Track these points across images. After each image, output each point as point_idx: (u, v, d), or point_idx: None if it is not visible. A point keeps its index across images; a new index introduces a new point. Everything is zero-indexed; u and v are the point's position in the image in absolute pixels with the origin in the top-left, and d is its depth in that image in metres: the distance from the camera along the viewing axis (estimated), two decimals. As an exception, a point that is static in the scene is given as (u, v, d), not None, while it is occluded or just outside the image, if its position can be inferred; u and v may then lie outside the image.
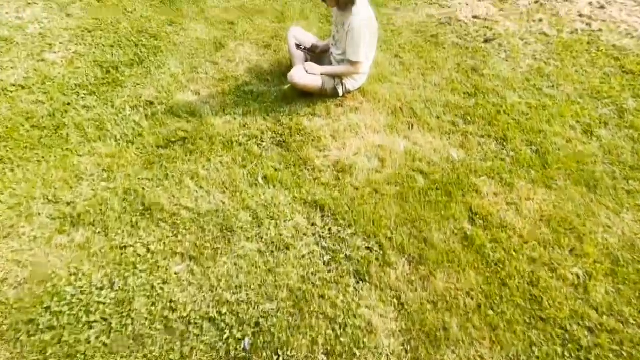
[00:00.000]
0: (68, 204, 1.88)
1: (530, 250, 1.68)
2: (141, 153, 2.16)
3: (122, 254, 1.67)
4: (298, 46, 2.51)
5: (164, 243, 1.71)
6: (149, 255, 1.66)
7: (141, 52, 2.96)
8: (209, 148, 2.18)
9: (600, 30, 3.13)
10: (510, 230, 1.76)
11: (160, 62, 2.87)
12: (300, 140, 2.22)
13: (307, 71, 2.37)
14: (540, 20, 3.27)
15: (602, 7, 3.43)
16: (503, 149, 2.16)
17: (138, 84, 2.66)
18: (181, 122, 2.35)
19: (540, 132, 2.25)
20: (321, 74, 2.40)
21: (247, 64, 2.86)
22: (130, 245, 1.70)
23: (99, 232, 1.75)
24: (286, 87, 2.47)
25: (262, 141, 2.24)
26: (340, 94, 2.48)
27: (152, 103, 2.50)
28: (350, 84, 2.49)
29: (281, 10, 3.50)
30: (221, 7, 3.55)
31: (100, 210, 1.84)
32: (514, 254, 1.67)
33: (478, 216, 1.82)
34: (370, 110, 2.43)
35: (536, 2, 3.52)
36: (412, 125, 2.31)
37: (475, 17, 3.34)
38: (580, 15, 3.33)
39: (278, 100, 2.52)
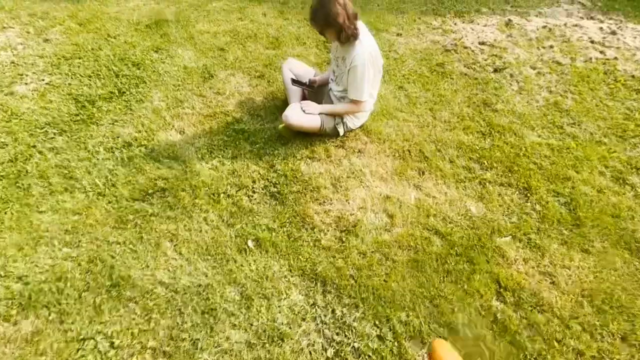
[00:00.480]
0: (19, 278, 1.53)
1: (574, 338, 1.38)
2: (113, 208, 1.83)
3: (78, 351, 1.33)
4: (294, 81, 2.22)
5: (132, 334, 1.37)
6: (112, 353, 1.32)
7: (122, 83, 2.65)
8: (191, 202, 1.86)
9: (615, 58, 2.89)
10: (548, 312, 1.45)
11: (143, 94, 2.56)
12: (297, 191, 1.92)
13: (304, 111, 2.07)
14: (551, 47, 3.03)
15: (613, 33, 3.21)
16: (527, 201, 1.87)
17: (116, 121, 2.34)
18: (162, 169, 2.03)
19: (567, 180, 1.96)
20: (320, 113, 2.12)
21: (238, 97, 2.56)
22: (90, 338, 1.36)
23: (52, 320, 1.41)
24: (281, 125, 2.17)
25: (254, 192, 1.93)
26: (341, 133, 2.19)
27: (130, 145, 2.18)
28: (352, 122, 2.20)
29: (275, 35, 3.22)
30: (211, 32, 3.26)
31: (58, 287, 1.50)
32: (556, 344, 1.36)
33: (507, 291, 1.51)
34: (375, 152, 2.14)
35: (544, 27, 3.29)
36: (423, 172, 2.02)
37: (482, 43, 3.08)
38: (592, 42, 3.10)
39: (272, 140, 2.22)
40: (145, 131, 2.26)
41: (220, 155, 2.11)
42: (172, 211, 1.81)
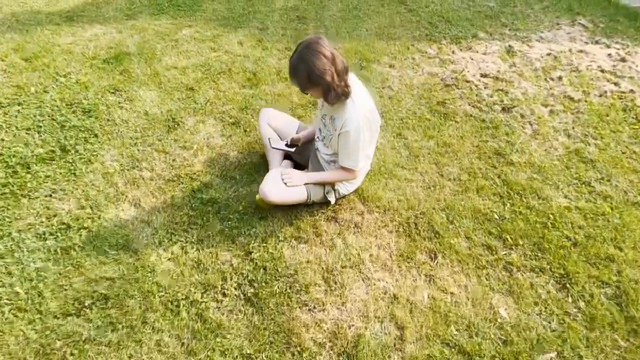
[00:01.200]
0: None
1: None
2: (35, 331, 1.35)
3: None
4: (273, 143, 1.79)
5: None
6: None
7: (67, 137, 2.16)
8: (142, 315, 1.40)
9: (631, 91, 2.56)
10: None
11: (92, 152, 2.08)
12: (280, 292, 1.47)
13: (286, 183, 1.65)
14: (560, 78, 2.68)
15: (623, 60, 2.89)
16: (567, 295, 1.48)
17: (54, 192, 1.86)
18: (106, 264, 1.56)
19: (610, 261, 1.59)
20: (306, 184, 1.69)
21: (208, 153, 2.11)
22: None
23: None
24: (258, 196, 1.73)
25: (224, 295, 1.47)
26: (332, 202, 1.77)
27: (68, 227, 1.70)
28: (345, 188, 1.77)
29: (253, 70, 2.78)
30: (179, 67, 2.80)
31: None
32: None
33: None
34: (375, 227, 1.73)
35: (549, 55, 2.95)
36: (435, 254, 1.62)
37: (484, 75, 2.72)
38: (603, 71, 2.77)
39: (248, 213, 1.78)
40: (90, 206, 1.79)
41: (182, 239, 1.66)
42: (114, 332, 1.35)
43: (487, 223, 1.72)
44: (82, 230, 1.68)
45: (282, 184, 1.62)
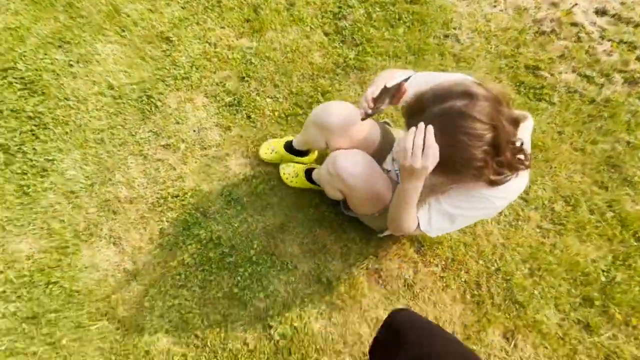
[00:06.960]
0: None
1: None
2: None
3: None
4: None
5: None
6: None
7: (6, 132, 1.54)
8: (141, 421, 1.12)
9: None
10: None
11: (45, 157, 1.48)
12: (310, 389, 1.15)
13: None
14: None
15: None
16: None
17: (7, 224, 1.38)
18: (90, 342, 1.21)
19: None
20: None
21: (200, 157, 1.49)
22: None
23: None
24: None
25: (240, 390, 1.16)
26: (381, 235, 1.26)
27: (31, 283, 1.28)
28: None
29: (253, 1, 1.86)
30: (147, -3, 1.89)
31: None
32: None
33: None
34: (432, 288, 1.25)
35: None
36: (512, 333, 1.19)
37: (601, 12, 1.76)
38: None
39: (262, 262, 1.30)
40: (57, 249, 1.33)
41: (180, 302, 1.24)
42: None
43: (589, 287, 1.24)
44: (51, 286, 1.27)
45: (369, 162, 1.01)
